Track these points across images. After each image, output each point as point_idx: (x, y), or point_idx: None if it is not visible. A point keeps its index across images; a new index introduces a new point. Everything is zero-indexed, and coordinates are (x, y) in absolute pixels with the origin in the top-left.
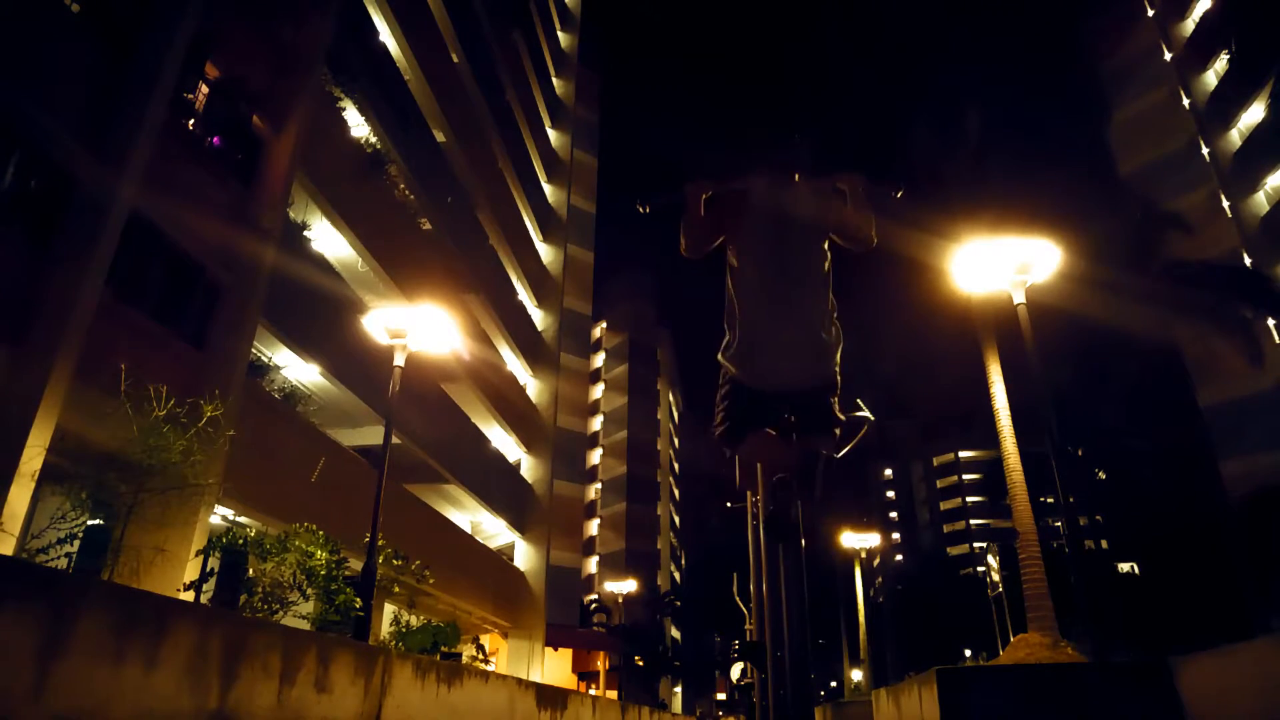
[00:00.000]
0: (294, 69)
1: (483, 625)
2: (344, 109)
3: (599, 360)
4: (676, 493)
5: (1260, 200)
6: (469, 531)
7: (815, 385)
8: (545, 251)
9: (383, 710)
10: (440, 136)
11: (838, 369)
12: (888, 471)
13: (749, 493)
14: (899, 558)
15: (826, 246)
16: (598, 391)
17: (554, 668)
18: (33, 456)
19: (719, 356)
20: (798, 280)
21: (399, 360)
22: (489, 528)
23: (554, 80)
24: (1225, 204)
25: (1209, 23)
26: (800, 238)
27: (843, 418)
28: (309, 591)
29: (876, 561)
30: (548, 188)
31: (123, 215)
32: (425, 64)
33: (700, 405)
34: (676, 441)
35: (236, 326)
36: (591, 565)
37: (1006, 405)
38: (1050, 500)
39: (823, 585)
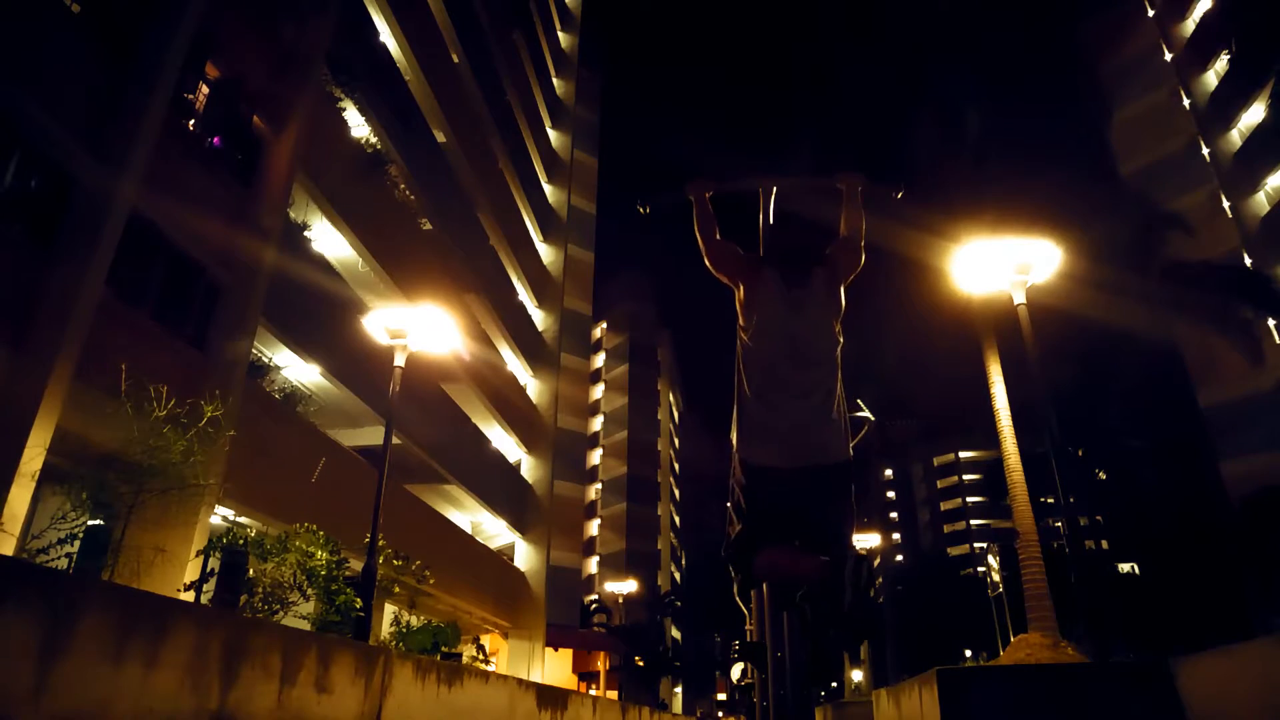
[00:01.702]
0: (294, 69)
1: (483, 625)
2: (344, 109)
3: (599, 360)
4: (677, 493)
5: (1260, 200)
6: (469, 532)
7: (827, 465)
8: (545, 252)
9: (383, 710)
10: (440, 136)
11: (850, 456)
12: (888, 471)
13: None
14: (899, 558)
15: (839, 330)
16: (598, 392)
17: (554, 668)
18: (33, 457)
19: (733, 451)
20: (809, 369)
21: (399, 360)
22: (489, 528)
23: (554, 80)
24: (1225, 204)
25: (1209, 23)
26: (815, 329)
27: (857, 548)
28: (309, 592)
29: (877, 562)
30: (548, 188)
31: (123, 215)
32: (425, 64)
33: (700, 405)
34: (677, 442)
35: (237, 326)
36: (592, 565)
37: (1006, 405)
38: (1050, 500)
39: None
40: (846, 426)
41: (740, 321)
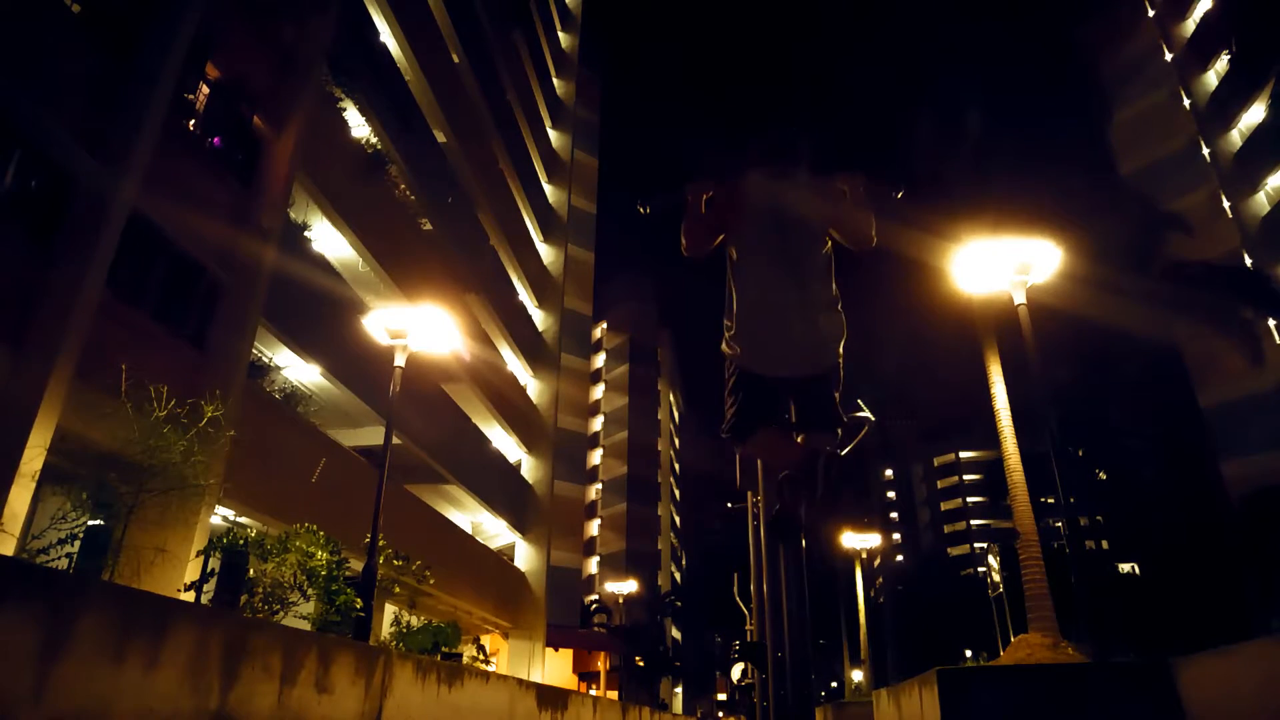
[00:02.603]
0: (294, 69)
1: (483, 625)
2: (344, 109)
3: (600, 361)
4: (677, 493)
5: (1261, 200)
6: (469, 532)
7: (816, 374)
8: (546, 252)
9: (383, 711)
10: (440, 137)
11: (840, 359)
12: (888, 472)
13: (749, 493)
14: (899, 558)
15: (828, 242)
16: (598, 392)
17: (555, 668)
18: (33, 457)
19: (722, 347)
20: (797, 267)
21: (399, 360)
22: (489, 528)
23: (554, 80)
24: (1226, 204)
25: (1209, 23)
26: (799, 225)
27: (845, 418)
28: (310, 592)
29: (877, 562)
30: (548, 188)
31: (123, 215)
32: (426, 64)
33: (700, 405)
34: (677, 442)
35: (237, 326)
36: (592, 566)
37: (1007, 405)
38: (1050, 500)
39: (823, 585)
40: (837, 329)
41: (732, 255)
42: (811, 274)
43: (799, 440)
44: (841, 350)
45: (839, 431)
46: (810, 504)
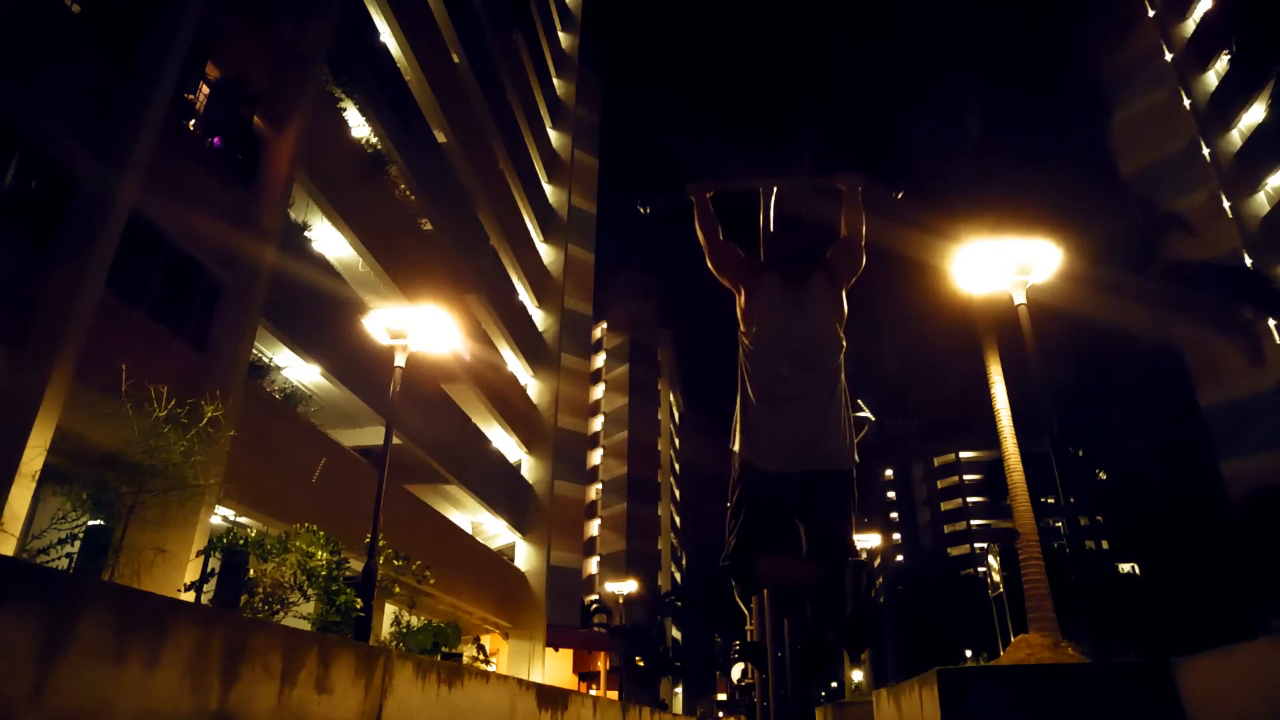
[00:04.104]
0: (294, 69)
1: (483, 626)
2: (344, 109)
3: (600, 361)
4: (677, 493)
5: (1261, 200)
6: (470, 532)
7: (833, 469)
8: (546, 252)
9: (384, 711)
10: (441, 137)
11: (856, 467)
12: (888, 472)
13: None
14: (900, 558)
15: (842, 334)
16: (598, 392)
17: (555, 668)
18: (33, 457)
19: (730, 453)
20: (813, 364)
21: (399, 360)
22: (490, 528)
23: (554, 80)
24: (1226, 204)
25: (1209, 23)
26: (817, 332)
27: (860, 551)
28: (310, 592)
29: (877, 562)
30: (548, 188)
31: (123, 215)
32: (426, 64)
33: (700, 405)
34: (677, 442)
35: (237, 327)
36: (592, 566)
37: (1007, 405)
38: (1051, 500)
39: None
40: (851, 432)
41: (741, 327)
42: (828, 372)
43: (807, 560)
44: (857, 457)
45: (859, 555)
46: (841, 627)
